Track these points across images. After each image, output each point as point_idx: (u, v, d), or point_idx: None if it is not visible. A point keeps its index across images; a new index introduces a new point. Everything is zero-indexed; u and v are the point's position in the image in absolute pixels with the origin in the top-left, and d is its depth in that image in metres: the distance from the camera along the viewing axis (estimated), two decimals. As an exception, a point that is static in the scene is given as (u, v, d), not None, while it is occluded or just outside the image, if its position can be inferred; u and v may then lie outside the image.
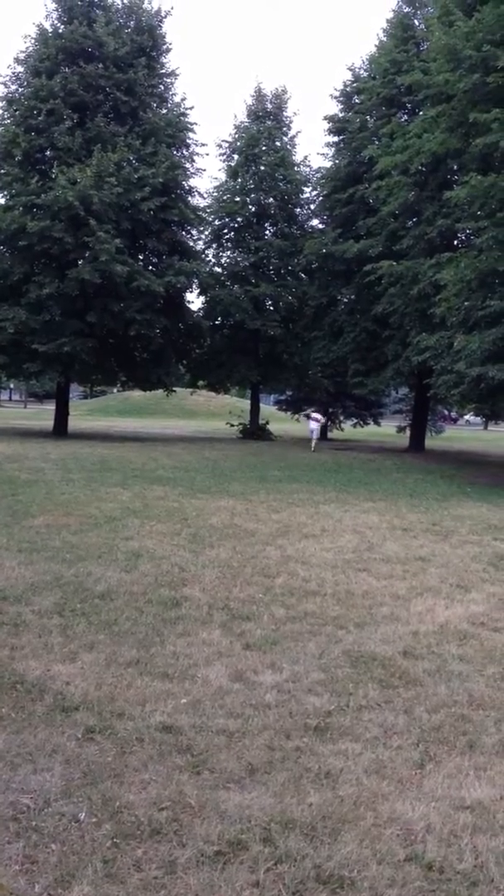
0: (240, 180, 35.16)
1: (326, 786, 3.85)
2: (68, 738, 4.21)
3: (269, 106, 36.69)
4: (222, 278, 35.25)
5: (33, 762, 3.94)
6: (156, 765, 3.97)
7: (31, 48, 29.67)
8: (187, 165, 32.05)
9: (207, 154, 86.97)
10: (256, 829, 3.43)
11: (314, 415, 32.06)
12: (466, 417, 70.61)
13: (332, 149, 34.49)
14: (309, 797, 3.71)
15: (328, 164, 34.45)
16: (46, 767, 3.88)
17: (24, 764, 3.92)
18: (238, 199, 35.12)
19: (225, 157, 36.34)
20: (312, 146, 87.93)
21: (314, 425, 31.11)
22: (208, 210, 34.75)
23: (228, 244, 36.52)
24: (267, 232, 36.08)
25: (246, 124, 36.08)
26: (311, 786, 3.84)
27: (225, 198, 35.23)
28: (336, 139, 34.24)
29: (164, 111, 31.79)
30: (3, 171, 28.64)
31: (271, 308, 34.82)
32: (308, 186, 36.11)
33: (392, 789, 3.84)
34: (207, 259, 35.59)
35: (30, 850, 3.22)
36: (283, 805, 3.63)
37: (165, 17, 31.79)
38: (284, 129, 36.48)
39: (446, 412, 54.14)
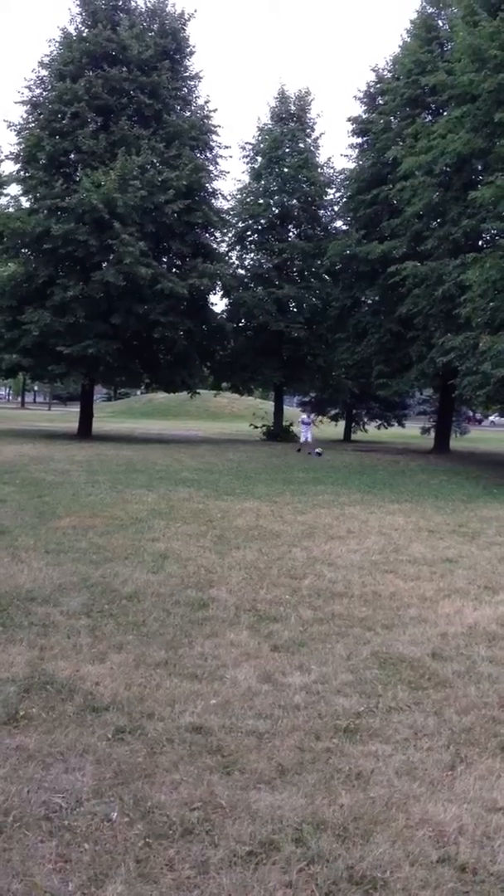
0: (263, 182, 35.18)
1: (357, 787, 3.83)
2: (99, 738, 4.23)
3: (293, 108, 36.72)
4: (246, 280, 35.29)
5: (65, 762, 3.96)
6: (186, 765, 3.97)
7: (55, 52, 29.95)
8: (210, 168, 32.13)
9: (231, 156, 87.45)
10: (288, 829, 3.42)
11: (303, 416, 31.05)
12: (491, 419, 70.25)
13: (356, 150, 34.43)
14: (340, 798, 3.70)
15: (352, 165, 34.39)
16: (78, 767, 3.90)
17: (55, 763, 3.94)
18: (261, 201, 35.14)
19: (248, 159, 36.45)
20: (336, 148, 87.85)
21: (304, 428, 29.90)
22: (231, 212, 34.78)
23: (252, 246, 36.56)
24: (290, 234, 36.10)
25: (269, 126, 36.10)
26: (342, 787, 3.83)
27: (248, 200, 35.27)
28: (360, 140, 34.18)
29: (188, 114, 31.93)
30: (27, 174, 28.91)
31: (295, 310, 34.79)
32: (332, 188, 36.04)
33: (423, 791, 3.82)
34: (231, 261, 35.66)
35: (63, 849, 3.24)
36: (315, 806, 3.62)
37: (189, 19, 31.88)
38: (308, 130, 36.47)
39: (471, 413, 53.81)
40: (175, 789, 3.73)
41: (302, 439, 27.21)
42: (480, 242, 26.43)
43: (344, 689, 5.09)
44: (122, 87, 29.09)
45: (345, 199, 34.61)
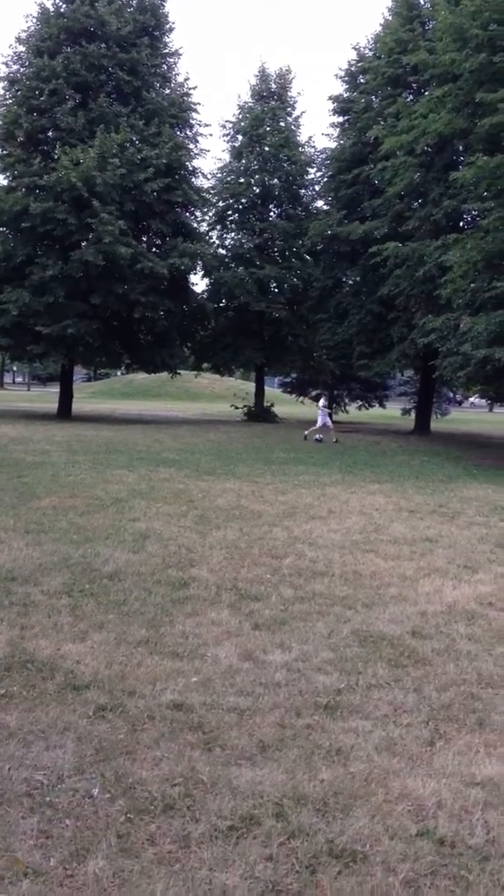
0: (244, 161, 34.90)
1: (338, 762, 3.86)
2: (80, 715, 4.23)
3: (274, 86, 36.44)
4: (226, 260, 35.11)
5: (46, 739, 3.96)
6: (168, 742, 3.99)
7: (32, 27, 29.58)
8: (191, 146, 31.88)
9: (211, 135, 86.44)
10: (269, 804, 3.45)
11: (322, 401, 29.16)
12: (471, 400, 70.51)
13: (337, 129, 34.26)
14: (320, 773, 3.73)
15: (333, 144, 34.22)
16: (59, 744, 3.91)
17: (36, 741, 3.94)
18: (242, 180, 34.90)
19: (229, 137, 36.14)
20: (317, 127, 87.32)
21: (322, 413, 27.37)
22: (212, 191, 34.52)
23: (232, 226, 36.33)
24: (271, 213, 35.91)
25: (250, 105, 35.84)
26: (323, 762, 3.86)
27: (229, 179, 35.01)
28: (341, 119, 34.01)
29: (168, 91, 31.65)
30: (5, 152, 28.60)
31: (276, 290, 34.71)
32: (313, 167, 35.88)
33: (403, 766, 3.86)
34: (211, 241, 35.43)
35: (44, 825, 3.24)
36: (295, 781, 3.65)
37: (168, -5, 31.52)
38: (289, 109, 36.23)
39: (451, 394, 54.00)
40: (156, 765, 3.75)
41: (320, 423, 25.98)
42: (461, 223, 26.45)
43: (324, 666, 5.12)
44: (100, 63, 28.75)
45: (326, 179, 34.51)
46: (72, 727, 4.10)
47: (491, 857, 3.16)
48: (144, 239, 30.86)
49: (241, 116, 35.64)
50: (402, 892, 2.92)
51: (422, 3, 29.82)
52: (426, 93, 25.99)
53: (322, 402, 28.55)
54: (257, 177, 34.79)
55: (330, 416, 28.57)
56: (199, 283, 47.42)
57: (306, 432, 25.37)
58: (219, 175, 35.43)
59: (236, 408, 36.56)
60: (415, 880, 2.99)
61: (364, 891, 2.90)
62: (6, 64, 29.42)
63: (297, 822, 3.32)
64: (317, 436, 24.66)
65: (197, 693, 4.59)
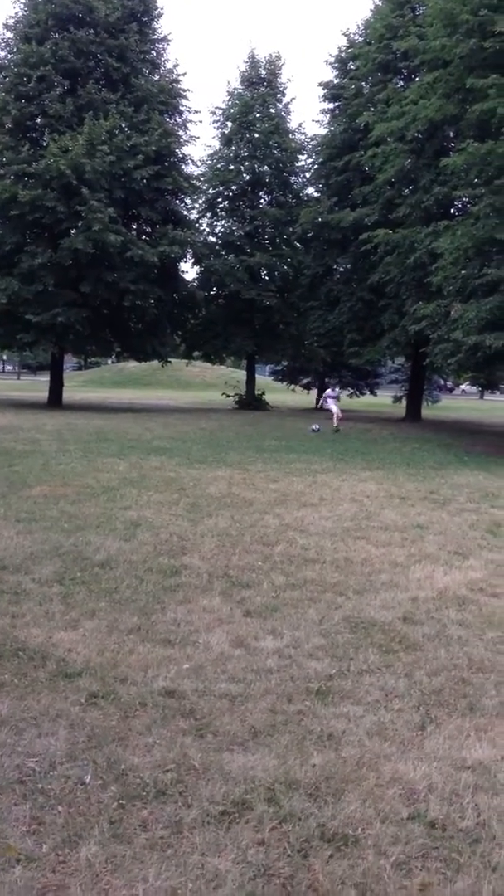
0: (234, 148, 34.72)
1: (329, 747, 3.88)
2: (72, 703, 4.24)
3: (263, 72, 36.22)
4: (217, 248, 35.00)
5: (38, 727, 3.96)
6: (159, 728, 4.00)
7: (20, 13, 29.39)
8: (180, 133, 31.76)
9: (201, 121, 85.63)
10: (260, 789, 3.46)
11: (329, 391, 28.32)
12: (462, 387, 70.64)
13: (328, 116, 34.14)
14: (312, 758, 3.75)
15: (323, 131, 34.10)
16: (51, 732, 3.91)
17: (28, 728, 3.94)
18: (232, 167, 34.75)
19: (218, 124, 35.87)
20: (307, 113, 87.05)
21: (331, 402, 26.57)
22: (202, 178, 34.32)
23: (223, 213, 36.16)
24: (262, 200, 35.75)
25: (239, 91, 35.66)
26: (314, 747, 3.87)
27: (219, 166, 34.85)
28: (331, 106, 33.88)
29: (157, 77, 31.47)
30: (-7, 139, 28.33)
31: (266, 278, 34.63)
32: (303, 154, 35.74)
33: (394, 750, 3.87)
34: (201, 228, 35.31)
35: (37, 811, 3.25)
36: (287, 766, 3.66)
37: (156, -19, 31.26)
38: (279, 95, 36.05)
39: (442, 382, 54.07)
40: (148, 752, 3.76)
41: (335, 410, 25.00)
42: (452, 210, 26.39)
43: (316, 652, 5.14)
44: (89, 49, 28.56)
45: (316, 166, 34.37)
46: (64, 714, 4.10)
47: (481, 839, 3.18)
48: (134, 227, 30.73)
49: (230, 103, 35.45)
50: (394, 874, 2.93)
51: (412, -12, 29.67)
52: (416, 79, 25.92)
53: (329, 391, 27.92)
54: (247, 164, 34.63)
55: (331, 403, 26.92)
56: (189, 270, 47.13)
57: (337, 426, 24.25)
58: (209, 162, 35.25)
59: (227, 396, 36.52)
60: (406, 863, 3.01)
61: (356, 874, 2.92)
62: (-7, 50, 29.20)
63: (289, 806, 3.33)
64: (313, 426, 23.95)
65: (189, 680, 4.60)
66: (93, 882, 2.84)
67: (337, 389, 28.79)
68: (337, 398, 26.47)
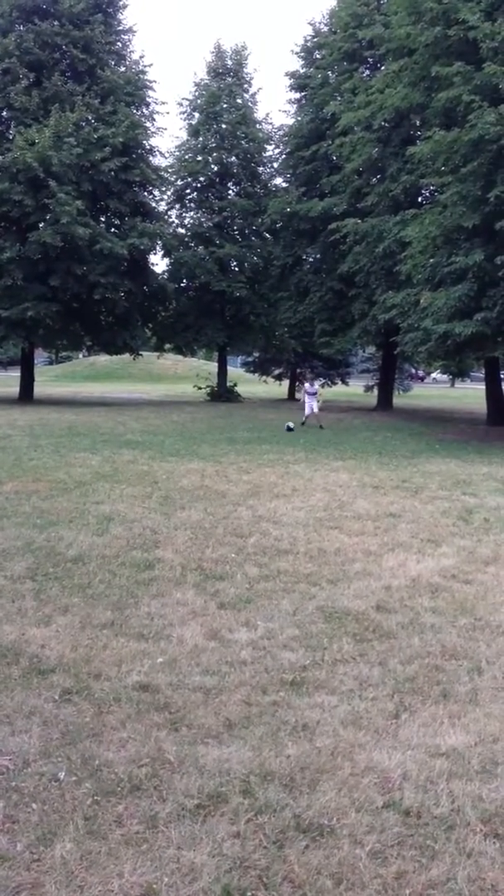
0: (201, 139, 34.59)
1: (304, 738, 3.89)
2: (45, 699, 4.21)
3: (230, 62, 36.09)
4: (186, 239, 34.85)
5: (11, 724, 3.93)
6: (134, 723, 3.98)
7: (-18, 6, 28.90)
8: (147, 124, 31.53)
9: (168, 113, 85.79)
10: (235, 781, 3.46)
11: (307, 385, 26.13)
12: (433, 376, 71.00)
13: (295, 105, 34.17)
14: (287, 749, 3.75)
15: (290, 121, 34.15)
16: (24, 729, 3.88)
17: (1, 726, 3.91)
18: (200, 158, 34.62)
19: (186, 115, 35.74)
20: (274, 103, 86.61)
21: (309, 398, 24.55)
22: (170, 170, 34.21)
23: (191, 204, 36.04)
24: (230, 191, 35.64)
25: (206, 82, 35.48)
26: (289, 738, 3.88)
27: (187, 157, 34.70)
28: (298, 96, 33.90)
29: (123, 69, 31.23)
30: (-42, 132, 28.03)
31: (236, 269, 34.52)
32: (271, 144, 35.76)
33: (368, 739, 3.89)
34: (170, 220, 35.21)
35: (10, 810, 3.23)
36: (262, 758, 3.66)
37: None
38: (245, 86, 35.96)
39: (413, 370, 54.32)
40: (123, 747, 3.74)
41: (307, 411, 24.22)
42: (420, 199, 26.45)
43: (290, 643, 5.14)
44: (54, 41, 28.29)
45: (284, 156, 34.39)
46: (37, 711, 4.07)
47: (456, 826, 3.20)
48: (103, 219, 30.50)
49: (197, 94, 35.29)
50: (370, 863, 2.94)
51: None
52: (382, 67, 25.93)
53: (307, 385, 25.80)
54: (215, 154, 34.48)
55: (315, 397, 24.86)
56: (159, 263, 47.11)
57: (321, 424, 22.84)
58: (176, 153, 35.10)
59: (199, 388, 36.46)
60: (381, 851, 3.02)
61: (331, 864, 2.93)
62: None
63: (264, 798, 3.33)
64: (288, 424, 22.91)
65: (163, 673, 4.59)
66: (68, 879, 2.83)
67: (316, 385, 26.57)
68: (316, 394, 24.68)
